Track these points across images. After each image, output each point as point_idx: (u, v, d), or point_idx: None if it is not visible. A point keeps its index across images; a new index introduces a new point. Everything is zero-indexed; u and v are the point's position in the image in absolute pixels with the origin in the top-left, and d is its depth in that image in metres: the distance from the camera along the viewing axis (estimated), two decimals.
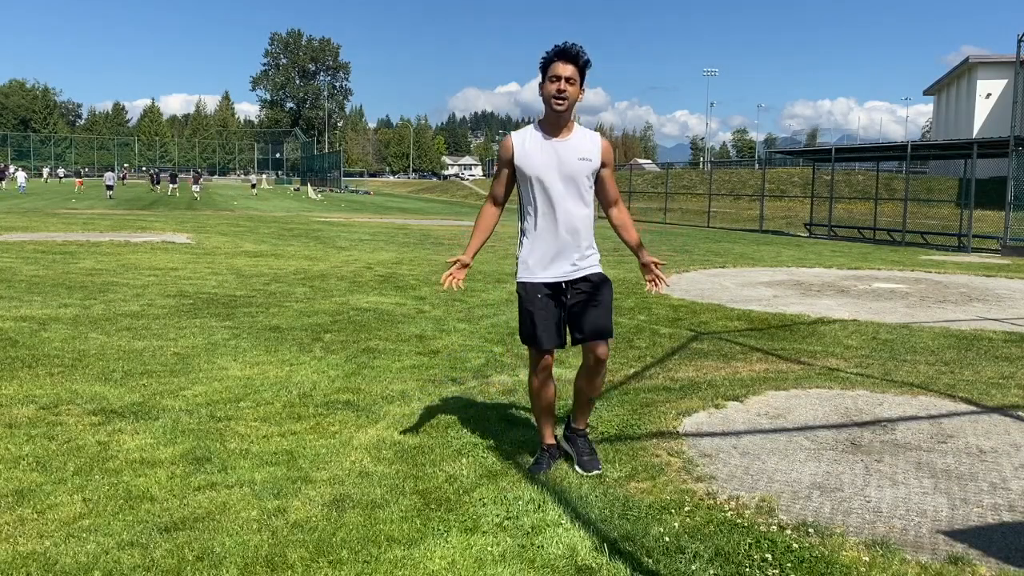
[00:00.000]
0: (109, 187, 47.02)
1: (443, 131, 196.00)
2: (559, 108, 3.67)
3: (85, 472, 3.81)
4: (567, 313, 3.85)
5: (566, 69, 3.66)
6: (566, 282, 3.83)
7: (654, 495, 3.67)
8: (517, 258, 3.90)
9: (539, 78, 3.75)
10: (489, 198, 3.97)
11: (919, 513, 3.58)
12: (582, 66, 3.69)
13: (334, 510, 3.44)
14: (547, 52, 3.69)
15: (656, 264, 4.00)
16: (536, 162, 3.73)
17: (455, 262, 3.89)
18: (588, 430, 4.17)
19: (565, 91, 3.65)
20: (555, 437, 4.11)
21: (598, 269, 3.89)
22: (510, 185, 3.89)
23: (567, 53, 3.66)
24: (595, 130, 4.08)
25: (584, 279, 3.84)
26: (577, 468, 3.94)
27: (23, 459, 3.95)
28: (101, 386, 5.32)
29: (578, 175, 3.74)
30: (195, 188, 49.64)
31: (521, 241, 3.89)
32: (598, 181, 3.86)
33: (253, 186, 64.14)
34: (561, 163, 3.72)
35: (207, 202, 41.74)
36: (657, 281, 4.01)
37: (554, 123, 3.75)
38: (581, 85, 3.73)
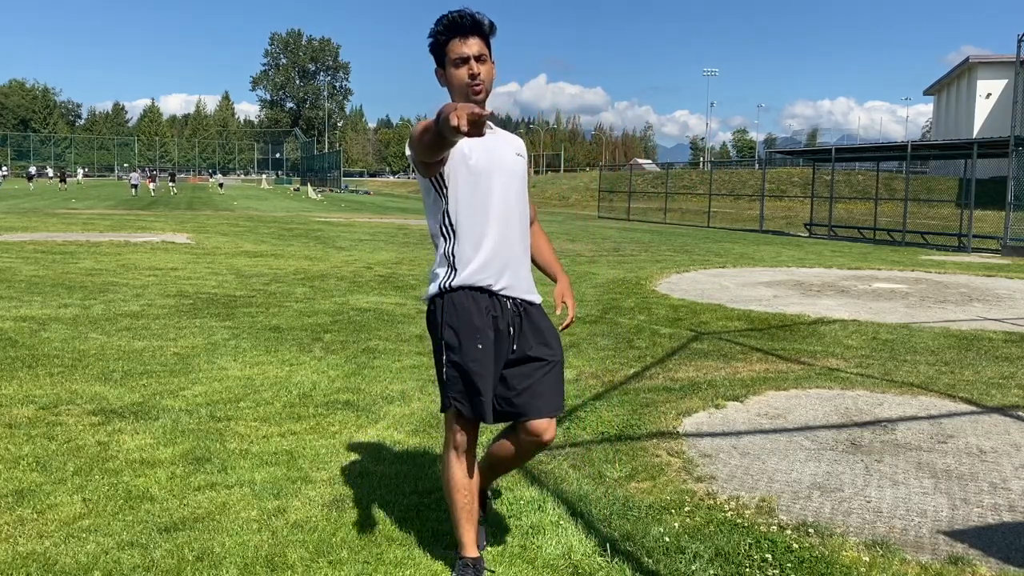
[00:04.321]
0: (134, 186, 51.39)
1: None
2: (479, 95, 2.77)
3: (85, 472, 3.81)
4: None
5: (471, 45, 2.74)
6: (511, 302, 2.89)
7: (654, 495, 3.67)
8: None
9: (434, 64, 2.86)
10: None
11: (919, 513, 3.58)
12: (486, 34, 2.79)
13: (334, 510, 3.44)
14: (434, 27, 2.80)
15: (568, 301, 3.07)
16: (477, 153, 2.80)
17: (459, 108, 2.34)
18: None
19: (478, 73, 2.75)
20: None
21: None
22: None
23: (462, 26, 2.74)
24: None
25: (533, 309, 2.95)
26: None
27: (23, 459, 3.95)
28: (101, 386, 5.32)
29: (521, 175, 2.91)
30: (152, 186, 55.04)
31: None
32: None
33: (221, 185, 63.96)
34: (504, 158, 2.86)
35: (207, 202, 41.73)
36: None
37: None
38: (491, 56, 2.82)
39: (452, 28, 2.74)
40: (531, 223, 3.02)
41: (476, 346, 2.75)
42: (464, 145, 2.73)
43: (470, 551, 2.90)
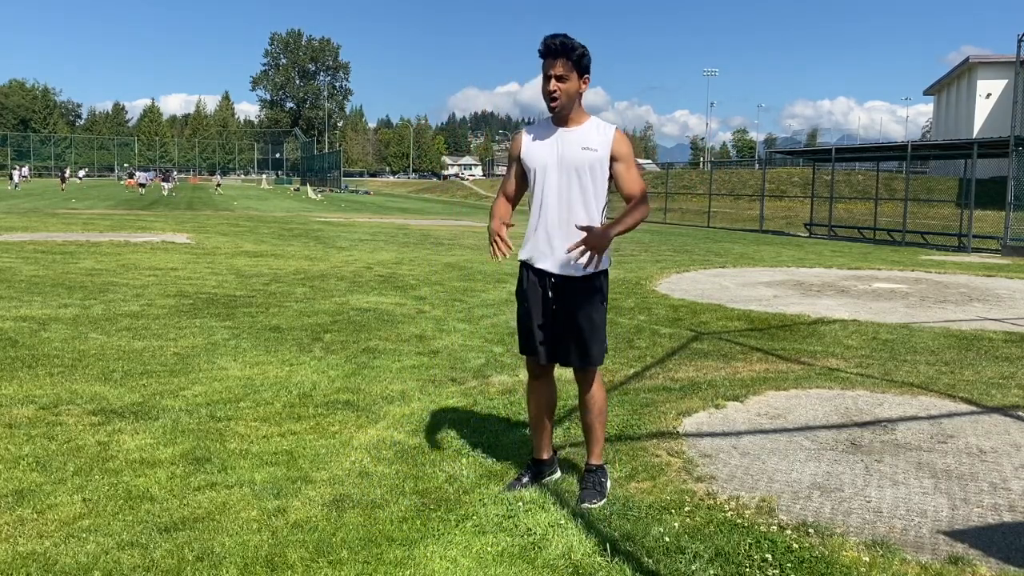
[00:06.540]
0: (142, 185, 52.91)
1: (443, 131, 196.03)
2: (553, 107, 3.50)
3: (85, 472, 3.81)
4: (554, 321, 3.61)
5: (555, 67, 3.44)
6: (553, 278, 3.57)
7: (654, 495, 3.67)
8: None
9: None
10: (500, 193, 3.78)
11: (919, 513, 3.58)
12: (575, 60, 3.44)
13: (334, 510, 3.44)
14: (540, 44, 3.48)
15: (587, 239, 3.30)
16: (537, 152, 3.57)
17: (495, 232, 3.56)
18: (601, 465, 3.77)
19: (556, 91, 3.45)
20: (552, 450, 3.89)
21: (592, 270, 3.50)
22: (521, 182, 3.70)
23: (550, 49, 3.44)
24: None
25: (571, 283, 3.56)
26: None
27: (23, 459, 3.95)
28: (101, 386, 5.32)
29: (580, 166, 3.50)
30: (166, 186, 55.74)
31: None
32: (613, 176, 3.57)
33: (218, 185, 64.79)
34: (563, 153, 3.52)
35: (207, 202, 41.73)
36: (584, 255, 3.34)
37: (558, 118, 3.57)
38: (581, 75, 3.49)
39: (546, 50, 3.45)
40: (632, 200, 3.52)
41: (524, 304, 3.65)
42: (530, 149, 3.60)
43: (537, 453, 3.83)
